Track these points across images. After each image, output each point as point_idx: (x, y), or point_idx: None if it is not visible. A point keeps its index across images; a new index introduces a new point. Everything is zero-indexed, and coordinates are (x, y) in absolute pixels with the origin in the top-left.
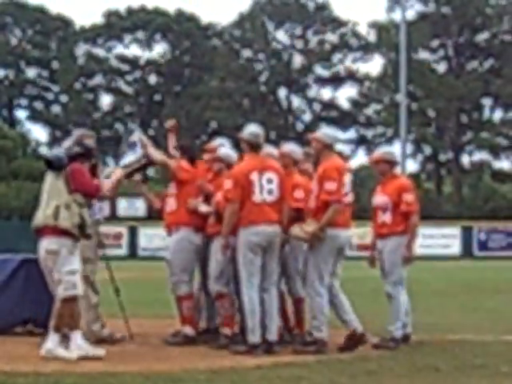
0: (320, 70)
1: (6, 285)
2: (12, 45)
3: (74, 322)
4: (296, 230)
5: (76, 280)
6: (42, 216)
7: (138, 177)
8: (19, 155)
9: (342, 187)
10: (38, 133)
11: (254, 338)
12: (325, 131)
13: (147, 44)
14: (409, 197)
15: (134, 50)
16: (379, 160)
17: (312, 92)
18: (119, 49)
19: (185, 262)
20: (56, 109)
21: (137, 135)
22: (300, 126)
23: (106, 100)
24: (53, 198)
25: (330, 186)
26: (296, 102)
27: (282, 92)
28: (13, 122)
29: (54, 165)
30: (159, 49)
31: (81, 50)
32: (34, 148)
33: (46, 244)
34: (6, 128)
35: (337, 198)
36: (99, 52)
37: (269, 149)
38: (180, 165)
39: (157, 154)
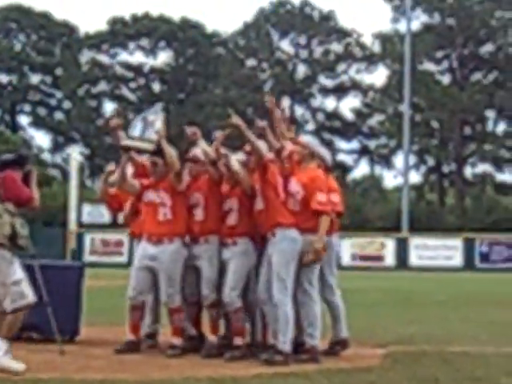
0: (324, 80)
1: None
2: (16, 50)
3: (10, 332)
4: (305, 256)
5: (23, 289)
6: None
7: (136, 156)
8: None
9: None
10: (41, 139)
11: (288, 346)
12: (311, 139)
13: (151, 51)
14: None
15: (138, 57)
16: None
17: (316, 102)
18: (123, 56)
19: (179, 273)
20: (59, 115)
21: (159, 117)
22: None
23: (109, 107)
24: None
25: (322, 197)
26: (299, 111)
27: (285, 101)
28: (15, 128)
29: None
30: (163, 56)
31: (85, 56)
32: (37, 154)
33: None
34: (9, 133)
35: (328, 209)
36: (103, 59)
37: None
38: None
39: (170, 149)
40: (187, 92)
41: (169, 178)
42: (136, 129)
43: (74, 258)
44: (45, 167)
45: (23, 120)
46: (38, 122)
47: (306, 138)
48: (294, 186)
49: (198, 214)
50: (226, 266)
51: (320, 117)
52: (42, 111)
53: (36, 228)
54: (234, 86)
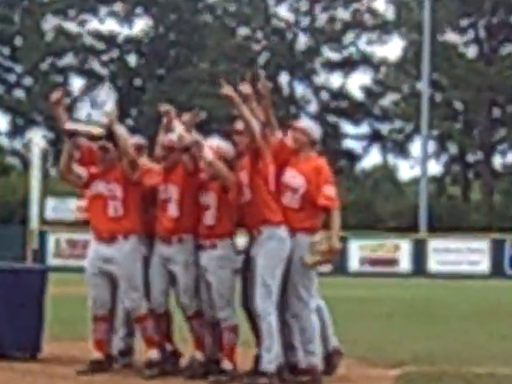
0: (329, 53)
1: None
2: None
3: None
4: (308, 256)
5: None
6: None
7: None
8: None
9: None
10: None
11: (273, 365)
12: (312, 124)
13: (126, 18)
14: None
15: (110, 26)
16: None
17: (319, 78)
18: (93, 23)
19: (140, 274)
20: (18, 93)
21: (109, 96)
22: (305, 119)
23: (77, 83)
24: None
25: (330, 190)
26: (300, 89)
27: (284, 78)
28: None
29: None
30: (140, 24)
31: (49, 24)
32: None
33: None
34: None
35: (338, 204)
36: (70, 27)
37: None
38: (151, 168)
39: (123, 132)
40: (168, 66)
41: (120, 166)
42: (82, 110)
43: (35, 261)
44: (1, 154)
45: None
46: None
47: (305, 123)
48: (294, 178)
49: (171, 209)
50: (203, 273)
51: (324, 96)
52: None
53: None
54: (222, 59)
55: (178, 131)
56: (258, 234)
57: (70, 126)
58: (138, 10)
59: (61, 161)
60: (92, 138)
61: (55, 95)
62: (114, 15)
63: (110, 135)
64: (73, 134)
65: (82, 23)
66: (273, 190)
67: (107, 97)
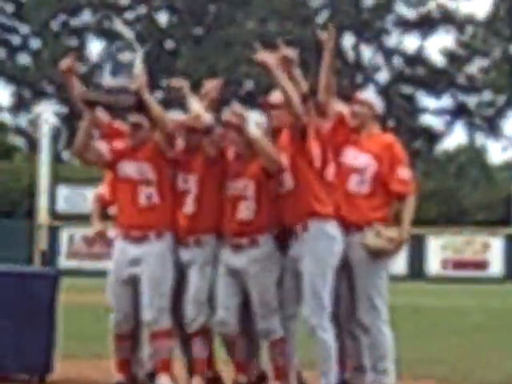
0: (402, 9)
1: None
2: None
3: None
4: (371, 238)
5: None
6: None
7: (101, 114)
8: None
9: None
10: None
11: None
12: (374, 96)
13: None
14: None
15: None
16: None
17: (391, 40)
18: None
19: (170, 282)
20: (24, 58)
21: (136, 55)
22: (373, 89)
23: (95, 47)
24: None
25: (405, 173)
26: (368, 54)
27: (348, 40)
28: None
29: None
30: None
31: None
32: None
33: None
34: None
35: (413, 190)
36: None
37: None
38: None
39: (154, 102)
40: (206, 26)
41: (151, 143)
42: (104, 74)
43: (44, 263)
44: (4, 133)
45: None
46: None
47: (368, 95)
48: (356, 159)
49: (188, 204)
50: (239, 277)
51: (397, 62)
52: None
53: None
54: (273, 17)
55: (195, 109)
56: (303, 230)
57: (89, 95)
58: None
59: (76, 137)
60: (118, 107)
61: (67, 61)
62: None
63: (140, 105)
64: (93, 104)
65: None
66: (321, 177)
67: (133, 55)
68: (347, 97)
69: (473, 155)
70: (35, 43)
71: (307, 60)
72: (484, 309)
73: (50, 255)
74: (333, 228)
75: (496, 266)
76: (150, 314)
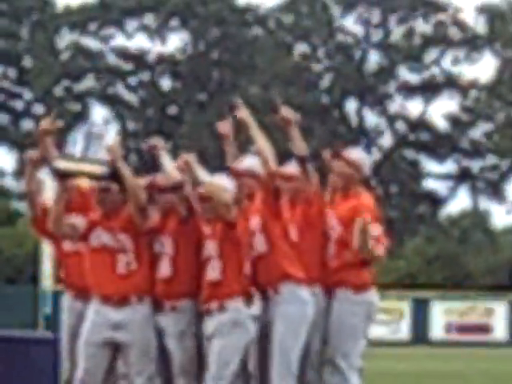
0: (406, 74)
1: None
2: None
3: None
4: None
5: None
6: None
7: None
8: None
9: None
10: (1, 158)
11: None
12: (364, 156)
13: (158, 33)
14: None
15: (139, 42)
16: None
17: (394, 105)
18: (119, 39)
19: (155, 347)
20: (27, 124)
21: (107, 130)
22: (377, 154)
23: (99, 113)
24: None
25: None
26: (371, 118)
27: (352, 105)
28: None
29: None
30: (175, 40)
31: (64, 40)
32: None
33: None
34: None
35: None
36: (90, 44)
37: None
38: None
39: (129, 172)
40: (210, 91)
41: (125, 213)
42: (76, 145)
43: (48, 329)
44: (6, 199)
45: None
46: None
47: (356, 154)
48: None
49: (164, 268)
50: (208, 344)
51: (400, 126)
52: (3, 119)
53: None
54: (276, 82)
55: (167, 167)
56: (275, 293)
57: (61, 164)
58: (173, 23)
59: (51, 209)
60: (91, 178)
61: (45, 124)
62: (144, 29)
63: (114, 175)
64: (65, 175)
65: (104, 39)
66: (294, 239)
67: (103, 129)
68: (336, 153)
69: (476, 219)
70: (38, 109)
71: (311, 125)
72: (488, 374)
73: (54, 320)
74: (304, 293)
75: (500, 331)
76: (141, 382)
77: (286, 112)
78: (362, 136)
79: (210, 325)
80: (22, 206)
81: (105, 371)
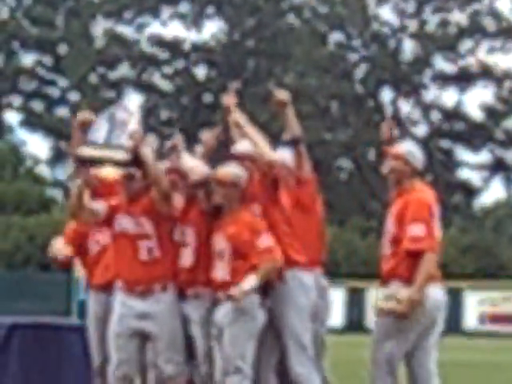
0: (441, 64)
1: None
2: (1, 19)
3: None
4: (382, 300)
5: None
6: None
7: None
8: (7, 177)
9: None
10: (36, 145)
11: None
12: (413, 148)
13: (194, 21)
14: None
15: (174, 30)
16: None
17: (429, 95)
18: (154, 27)
19: (182, 335)
20: (62, 111)
21: (132, 115)
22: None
23: (133, 100)
24: None
25: (417, 230)
26: (406, 108)
27: (387, 94)
28: (0, 130)
29: None
30: (211, 28)
31: (99, 28)
32: (31, 167)
33: None
34: None
35: (428, 245)
36: (125, 31)
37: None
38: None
39: (152, 158)
40: (245, 80)
41: (147, 198)
42: (99, 131)
43: (82, 316)
44: (41, 185)
45: (11, 118)
46: (32, 122)
47: (404, 148)
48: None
49: (187, 256)
50: (219, 333)
51: (435, 116)
52: (38, 106)
53: (27, 273)
54: (311, 71)
55: (188, 165)
56: (280, 280)
57: (83, 151)
58: (209, 11)
59: (70, 199)
60: (114, 164)
61: (82, 116)
62: (180, 17)
63: (136, 161)
64: (88, 162)
65: (139, 27)
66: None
67: (128, 114)
68: (383, 151)
69: (510, 210)
70: (73, 96)
71: (346, 114)
72: None
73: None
74: (308, 278)
75: None
76: (171, 369)
77: (281, 94)
78: (397, 126)
79: (220, 313)
80: (56, 193)
81: (138, 360)
